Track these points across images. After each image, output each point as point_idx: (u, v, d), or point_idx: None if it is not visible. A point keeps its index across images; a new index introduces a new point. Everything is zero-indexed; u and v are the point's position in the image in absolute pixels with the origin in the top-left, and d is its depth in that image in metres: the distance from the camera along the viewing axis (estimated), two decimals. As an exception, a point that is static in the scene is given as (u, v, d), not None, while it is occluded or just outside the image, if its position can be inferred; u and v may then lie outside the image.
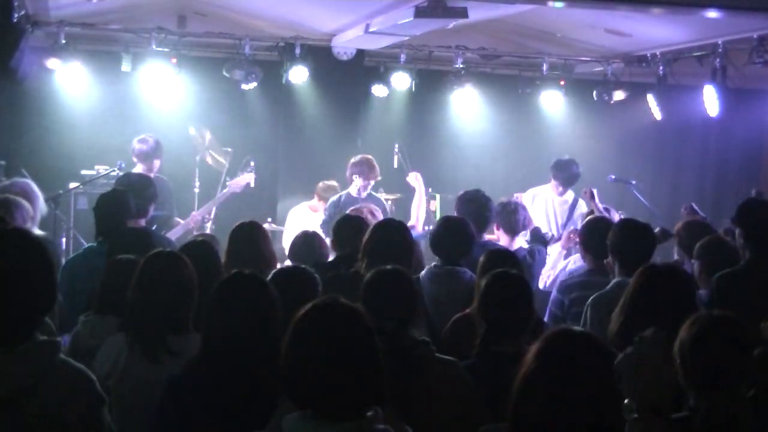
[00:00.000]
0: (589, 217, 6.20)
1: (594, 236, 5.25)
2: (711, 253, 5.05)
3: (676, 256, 5.68)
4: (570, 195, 8.28)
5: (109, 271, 4.28)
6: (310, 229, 6.22)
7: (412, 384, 3.30)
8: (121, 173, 7.68)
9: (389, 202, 9.00)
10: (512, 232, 6.39)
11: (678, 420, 2.72)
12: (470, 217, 5.86)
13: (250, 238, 5.02)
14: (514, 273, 3.98)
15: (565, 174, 8.17)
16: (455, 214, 6.15)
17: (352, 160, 7.93)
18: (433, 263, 5.37)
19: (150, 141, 7.78)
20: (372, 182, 7.90)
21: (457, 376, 3.48)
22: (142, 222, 5.83)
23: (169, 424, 3.06)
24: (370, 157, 8.00)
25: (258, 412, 2.85)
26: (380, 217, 6.35)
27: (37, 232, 5.43)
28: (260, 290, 3.19)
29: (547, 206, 8.23)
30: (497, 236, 6.47)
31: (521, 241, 6.47)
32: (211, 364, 3.07)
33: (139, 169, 7.67)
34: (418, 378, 3.32)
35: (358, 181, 7.80)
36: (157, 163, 7.78)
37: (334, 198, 7.94)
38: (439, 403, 3.32)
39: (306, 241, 5.51)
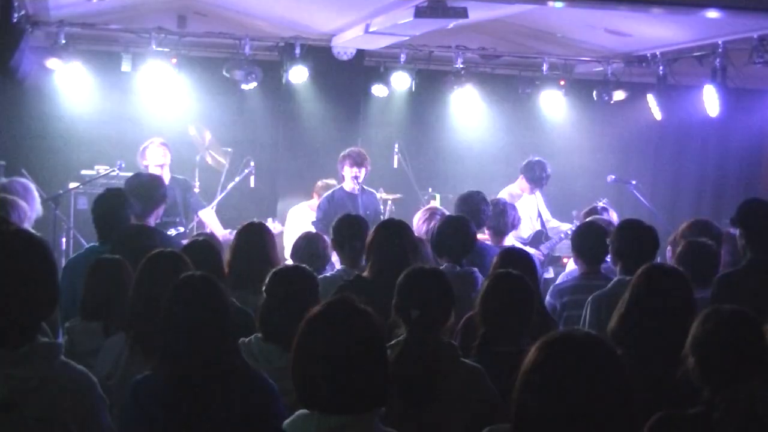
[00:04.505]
0: (580, 223, 6.19)
1: (586, 241, 5.25)
2: (691, 258, 5.03)
3: (668, 257, 5.65)
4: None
5: (91, 274, 4.23)
6: (310, 228, 6.19)
7: (429, 383, 3.30)
8: (121, 173, 7.64)
9: (389, 202, 9.01)
10: (501, 232, 6.38)
11: (696, 415, 2.72)
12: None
13: (259, 239, 5.01)
14: (514, 273, 3.93)
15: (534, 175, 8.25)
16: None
17: (342, 154, 7.80)
18: (444, 264, 5.27)
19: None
20: (364, 171, 7.68)
21: (480, 383, 3.45)
22: (151, 222, 5.76)
23: (130, 425, 3.07)
24: (359, 148, 7.92)
25: (215, 413, 2.90)
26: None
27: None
28: (212, 292, 3.17)
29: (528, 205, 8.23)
30: (488, 237, 6.46)
31: (510, 241, 6.46)
32: (169, 366, 3.07)
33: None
34: (437, 378, 3.31)
35: (350, 171, 7.63)
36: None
37: (327, 193, 7.81)
38: (457, 407, 3.31)
39: (308, 243, 5.50)
